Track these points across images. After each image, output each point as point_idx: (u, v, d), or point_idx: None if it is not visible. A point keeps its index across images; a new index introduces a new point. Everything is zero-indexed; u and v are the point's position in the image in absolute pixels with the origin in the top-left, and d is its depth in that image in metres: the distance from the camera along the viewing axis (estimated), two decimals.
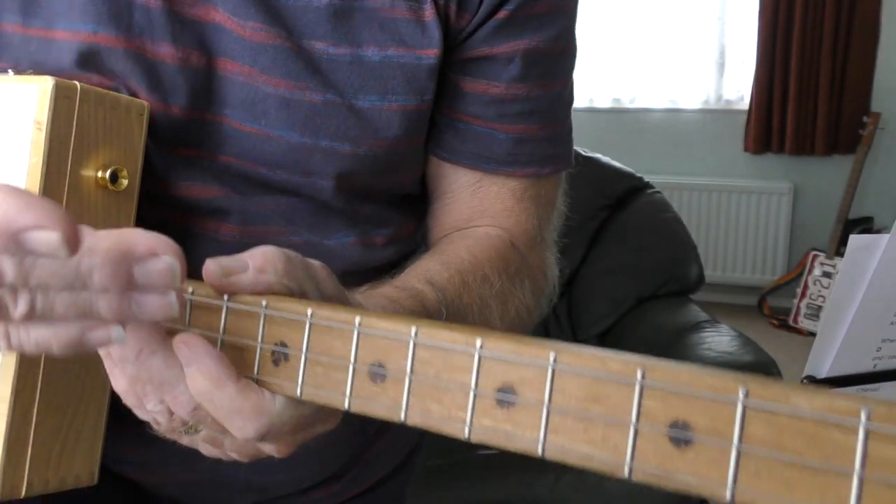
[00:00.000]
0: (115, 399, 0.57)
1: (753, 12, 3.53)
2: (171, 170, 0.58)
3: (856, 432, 0.25)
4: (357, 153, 0.59)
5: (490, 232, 0.65)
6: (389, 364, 0.34)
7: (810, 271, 3.41)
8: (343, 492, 0.74)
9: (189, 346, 0.39)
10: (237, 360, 0.39)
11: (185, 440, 0.46)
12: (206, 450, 0.47)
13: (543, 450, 0.30)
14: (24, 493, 0.53)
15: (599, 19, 3.74)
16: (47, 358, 0.52)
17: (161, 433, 0.46)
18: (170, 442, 0.64)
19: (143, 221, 0.56)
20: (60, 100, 0.50)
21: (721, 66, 3.66)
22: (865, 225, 3.39)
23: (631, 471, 0.28)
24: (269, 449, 0.44)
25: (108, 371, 0.43)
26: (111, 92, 0.53)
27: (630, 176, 2.14)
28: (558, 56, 0.65)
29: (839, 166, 3.50)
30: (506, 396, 0.30)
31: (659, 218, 2.10)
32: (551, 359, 0.29)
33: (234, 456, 0.46)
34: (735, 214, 3.67)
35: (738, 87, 3.67)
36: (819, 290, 3.37)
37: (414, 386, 0.33)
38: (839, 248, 3.31)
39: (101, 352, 0.41)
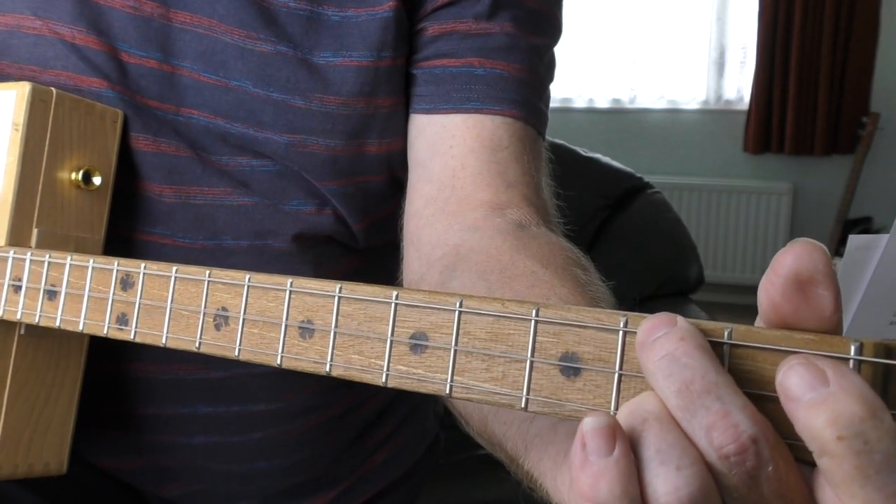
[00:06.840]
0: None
1: (753, 12, 3.53)
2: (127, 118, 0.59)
3: (721, 349, 0.28)
4: (309, 108, 0.58)
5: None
6: (317, 320, 0.36)
7: None
8: (341, 499, 0.73)
9: None
10: (182, 328, 0.41)
11: None
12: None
13: (450, 390, 0.32)
14: None
15: (599, 19, 3.74)
16: (18, 345, 0.55)
17: None
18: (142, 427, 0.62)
19: None
20: (36, 103, 0.54)
21: (721, 67, 3.66)
22: (864, 225, 3.39)
23: (527, 402, 0.30)
24: None
25: None
26: (86, 99, 0.57)
27: (630, 176, 2.13)
28: (535, 11, 0.62)
29: (838, 166, 3.50)
30: (419, 342, 0.33)
31: (659, 218, 2.08)
32: (458, 304, 0.32)
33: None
34: (735, 214, 3.67)
35: (738, 88, 3.67)
36: None
37: (338, 339, 0.35)
38: (838, 248, 3.30)
39: None
